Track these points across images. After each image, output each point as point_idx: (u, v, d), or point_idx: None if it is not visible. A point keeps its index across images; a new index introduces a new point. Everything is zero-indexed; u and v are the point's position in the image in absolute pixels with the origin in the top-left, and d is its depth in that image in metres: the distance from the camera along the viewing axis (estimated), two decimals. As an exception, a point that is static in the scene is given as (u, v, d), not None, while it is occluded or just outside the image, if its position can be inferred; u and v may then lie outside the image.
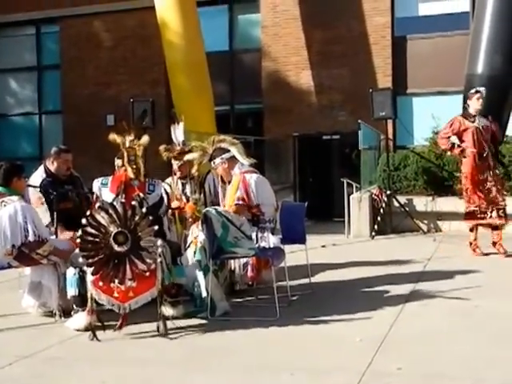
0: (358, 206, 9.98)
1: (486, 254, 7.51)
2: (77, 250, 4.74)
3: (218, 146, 5.85)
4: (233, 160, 5.82)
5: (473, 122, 7.44)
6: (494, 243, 7.53)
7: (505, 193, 7.79)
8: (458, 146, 7.57)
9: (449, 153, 7.96)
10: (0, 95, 16.39)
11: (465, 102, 10.38)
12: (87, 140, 12.91)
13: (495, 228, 7.50)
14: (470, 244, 7.60)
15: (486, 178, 7.44)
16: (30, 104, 16.17)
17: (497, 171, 7.67)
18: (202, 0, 13.30)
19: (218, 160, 5.85)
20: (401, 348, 4.15)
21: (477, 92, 7.59)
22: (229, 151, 5.81)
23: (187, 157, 5.99)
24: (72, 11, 14.88)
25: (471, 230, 7.61)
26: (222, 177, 6.04)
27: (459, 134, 7.56)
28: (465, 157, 7.51)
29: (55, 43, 15.63)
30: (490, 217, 7.41)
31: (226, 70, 14.17)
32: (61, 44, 15.47)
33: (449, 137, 7.68)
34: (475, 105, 7.49)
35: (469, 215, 7.54)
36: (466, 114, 7.64)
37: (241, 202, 5.57)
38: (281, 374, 3.76)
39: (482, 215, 7.42)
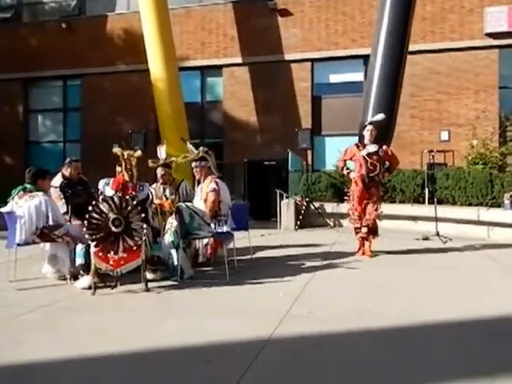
0: (287, 208, 9.94)
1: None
2: (84, 229, 4.54)
3: (204, 154, 5.79)
4: (208, 169, 5.81)
5: (361, 150, 6.42)
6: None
7: (376, 212, 6.36)
8: (347, 169, 6.54)
9: (345, 172, 6.62)
10: (35, 128, 15.79)
11: (359, 140, 10.52)
12: (98, 160, 12.42)
13: (367, 238, 6.39)
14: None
15: (366, 197, 6.33)
16: (57, 134, 15.62)
17: (375, 191, 6.37)
18: (183, 66, 13.21)
19: (199, 163, 5.80)
20: (310, 300, 4.13)
21: (370, 124, 6.56)
22: (207, 161, 5.80)
23: (173, 159, 5.96)
24: (90, 70, 14.53)
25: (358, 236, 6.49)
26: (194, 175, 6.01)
27: (353, 159, 6.55)
28: (351, 178, 6.58)
29: (77, 92, 15.16)
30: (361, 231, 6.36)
31: (198, 115, 14.02)
32: (81, 93, 15.00)
33: (345, 160, 6.57)
34: (367, 135, 6.45)
35: (355, 230, 6.47)
36: (358, 143, 6.68)
37: (214, 190, 5.50)
38: (226, 316, 3.69)
39: (359, 230, 6.38)
